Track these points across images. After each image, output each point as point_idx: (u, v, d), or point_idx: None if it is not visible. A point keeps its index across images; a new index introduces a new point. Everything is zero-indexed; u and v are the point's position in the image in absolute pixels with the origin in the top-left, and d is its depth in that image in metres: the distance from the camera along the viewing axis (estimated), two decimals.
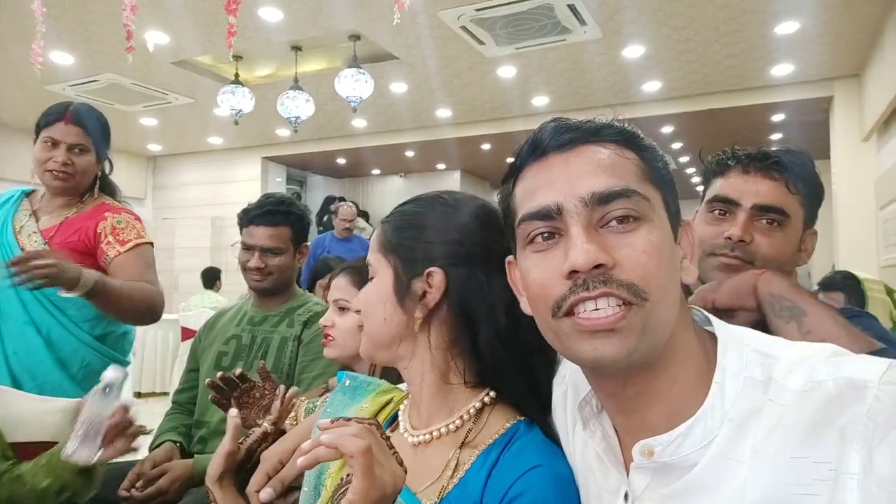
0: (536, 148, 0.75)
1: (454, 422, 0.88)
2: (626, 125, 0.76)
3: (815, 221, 1.30)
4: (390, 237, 0.93)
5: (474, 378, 0.91)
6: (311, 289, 3.17)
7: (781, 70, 5.93)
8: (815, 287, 2.50)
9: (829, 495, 0.60)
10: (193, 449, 1.93)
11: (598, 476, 0.80)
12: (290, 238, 2.02)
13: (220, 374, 1.49)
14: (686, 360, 0.73)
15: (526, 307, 0.78)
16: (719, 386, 0.69)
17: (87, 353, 2.00)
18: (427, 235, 0.91)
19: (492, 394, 0.91)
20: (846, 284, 2.63)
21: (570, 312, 0.69)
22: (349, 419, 0.72)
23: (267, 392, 1.52)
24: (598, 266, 0.67)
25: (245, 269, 2.01)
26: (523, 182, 0.77)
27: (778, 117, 7.27)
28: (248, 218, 2.02)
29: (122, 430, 1.37)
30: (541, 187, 0.73)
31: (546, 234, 0.72)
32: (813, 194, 1.27)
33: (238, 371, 1.50)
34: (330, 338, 1.55)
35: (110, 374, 1.38)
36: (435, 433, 0.88)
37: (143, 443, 1.75)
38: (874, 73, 5.47)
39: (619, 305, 0.67)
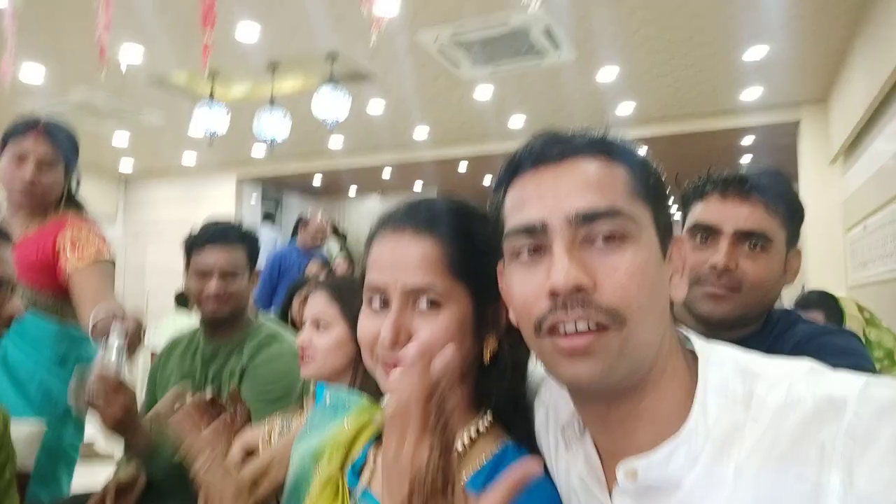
0: (527, 159, 0.74)
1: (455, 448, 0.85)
2: (618, 138, 0.75)
3: (798, 241, 1.31)
4: (463, 260, 0.83)
5: (473, 401, 0.89)
6: (287, 306, 3.15)
7: (751, 94, 6.08)
8: (790, 307, 2.53)
9: None
10: None
11: (581, 499, 0.79)
12: (245, 261, 1.90)
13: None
14: (672, 378, 0.72)
15: (514, 318, 0.77)
16: (701, 404, 0.69)
17: (45, 376, 1.88)
18: (492, 256, 0.81)
19: (488, 418, 0.88)
20: (823, 303, 2.66)
21: (551, 331, 0.69)
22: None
23: (238, 416, 1.48)
24: (578, 290, 0.66)
25: (200, 298, 1.85)
26: (512, 193, 0.76)
27: (748, 141, 7.43)
28: (204, 239, 1.86)
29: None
30: (528, 201, 0.72)
31: (530, 249, 0.71)
32: (793, 214, 1.28)
33: (209, 396, 1.46)
34: (308, 357, 1.51)
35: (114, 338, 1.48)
36: None
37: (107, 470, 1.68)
38: (840, 97, 5.63)
39: (596, 326, 0.67)
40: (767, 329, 1.30)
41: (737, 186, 1.25)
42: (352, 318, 1.51)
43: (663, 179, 0.77)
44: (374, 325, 0.84)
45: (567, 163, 0.72)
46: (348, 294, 1.52)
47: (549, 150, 0.73)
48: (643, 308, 0.68)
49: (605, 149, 0.73)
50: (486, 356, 0.86)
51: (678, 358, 0.74)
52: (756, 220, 1.22)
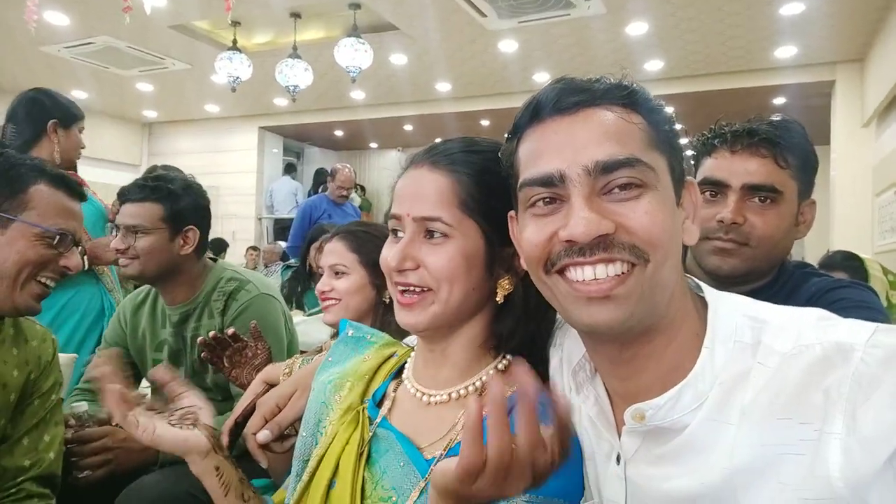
0: (541, 109, 0.74)
1: (473, 384, 0.88)
2: (633, 85, 0.74)
3: (812, 191, 1.28)
4: (476, 197, 0.85)
5: (494, 341, 0.91)
6: (306, 252, 3.22)
7: (784, 52, 5.90)
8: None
9: (812, 455, 0.61)
10: None
11: (591, 439, 0.82)
12: (160, 217, 1.79)
13: (212, 333, 1.49)
14: (682, 322, 0.73)
15: (524, 263, 0.79)
16: (709, 350, 0.70)
17: None
18: (508, 195, 0.82)
19: (508, 358, 0.91)
20: (848, 265, 2.63)
21: (561, 271, 0.70)
22: (559, 414, 0.60)
23: (259, 352, 1.52)
24: (598, 237, 0.67)
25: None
26: (526, 143, 0.75)
27: (779, 101, 7.25)
28: (120, 196, 1.83)
29: None
30: (544, 152, 0.72)
31: (547, 199, 0.71)
32: (805, 165, 1.25)
33: (231, 331, 1.49)
34: (331, 301, 1.55)
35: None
36: (454, 395, 0.88)
37: None
38: (877, 58, 5.44)
39: (623, 267, 0.67)
40: (780, 282, 1.29)
41: (745, 140, 1.22)
42: (369, 265, 1.55)
43: (674, 126, 0.76)
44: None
45: (583, 113, 0.71)
46: (365, 242, 1.55)
47: (564, 100, 0.72)
48: (664, 248, 0.68)
49: (621, 98, 0.72)
50: (499, 296, 0.87)
51: (688, 304, 0.75)
52: (765, 173, 1.21)
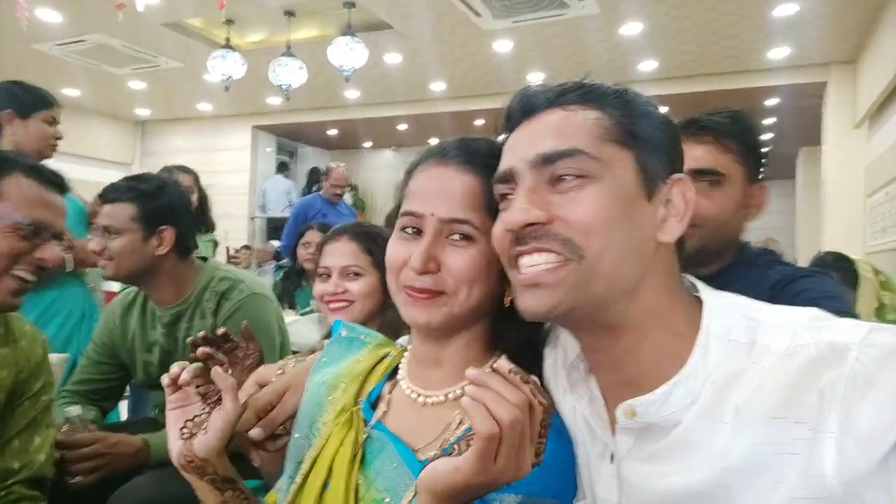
0: (508, 118, 0.80)
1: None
2: (593, 83, 0.77)
3: (759, 176, 1.36)
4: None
5: (489, 341, 0.90)
6: (295, 249, 3.33)
7: (778, 53, 5.92)
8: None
9: (807, 454, 0.61)
10: None
11: (585, 438, 0.82)
12: (133, 217, 1.75)
13: (202, 333, 1.48)
14: (655, 319, 0.73)
15: None
16: (703, 348, 0.71)
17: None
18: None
19: (504, 357, 0.90)
20: (838, 266, 2.64)
21: (515, 263, 0.74)
22: (526, 379, 0.63)
23: (250, 352, 1.50)
24: (530, 225, 0.70)
25: None
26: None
27: (772, 102, 7.27)
28: (101, 197, 1.82)
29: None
30: (505, 154, 0.78)
31: (505, 196, 0.76)
32: (750, 150, 1.33)
33: (221, 331, 1.48)
34: (342, 303, 1.55)
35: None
36: (450, 395, 0.87)
37: None
38: (869, 59, 5.47)
39: (556, 259, 0.70)
40: (741, 264, 1.35)
41: (690, 129, 1.31)
42: (383, 267, 1.54)
43: (658, 123, 0.76)
44: (404, 250, 0.85)
45: (538, 115, 0.76)
46: (378, 244, 1.54)
47: (522, 107, 0.78)
48: (606, 242, 0.69)
49: (578, 96, 0.75)
50: (507, 299, 0.86)
51: (674, 302, 0.75)
52: (709, 158, 1.29)
